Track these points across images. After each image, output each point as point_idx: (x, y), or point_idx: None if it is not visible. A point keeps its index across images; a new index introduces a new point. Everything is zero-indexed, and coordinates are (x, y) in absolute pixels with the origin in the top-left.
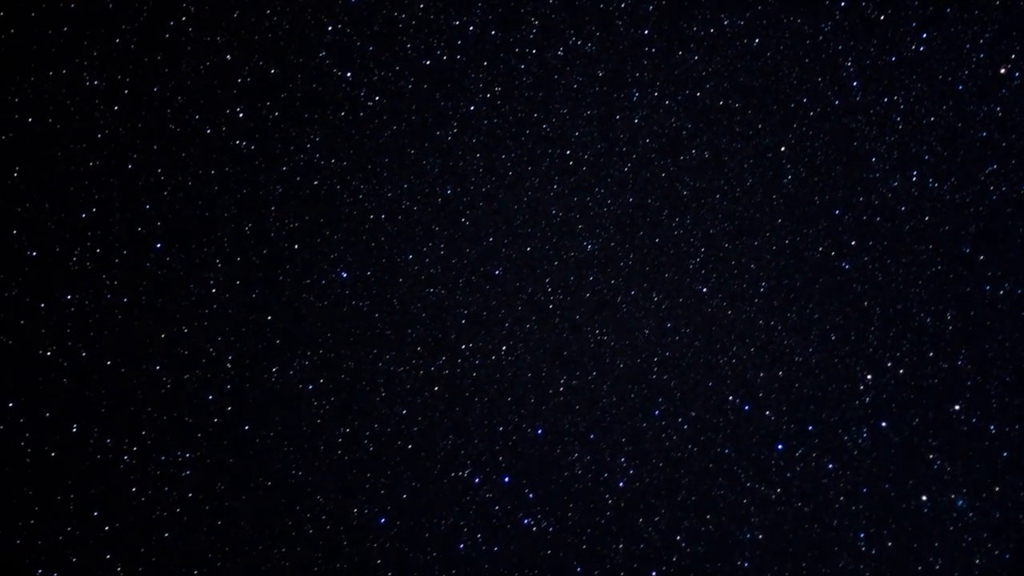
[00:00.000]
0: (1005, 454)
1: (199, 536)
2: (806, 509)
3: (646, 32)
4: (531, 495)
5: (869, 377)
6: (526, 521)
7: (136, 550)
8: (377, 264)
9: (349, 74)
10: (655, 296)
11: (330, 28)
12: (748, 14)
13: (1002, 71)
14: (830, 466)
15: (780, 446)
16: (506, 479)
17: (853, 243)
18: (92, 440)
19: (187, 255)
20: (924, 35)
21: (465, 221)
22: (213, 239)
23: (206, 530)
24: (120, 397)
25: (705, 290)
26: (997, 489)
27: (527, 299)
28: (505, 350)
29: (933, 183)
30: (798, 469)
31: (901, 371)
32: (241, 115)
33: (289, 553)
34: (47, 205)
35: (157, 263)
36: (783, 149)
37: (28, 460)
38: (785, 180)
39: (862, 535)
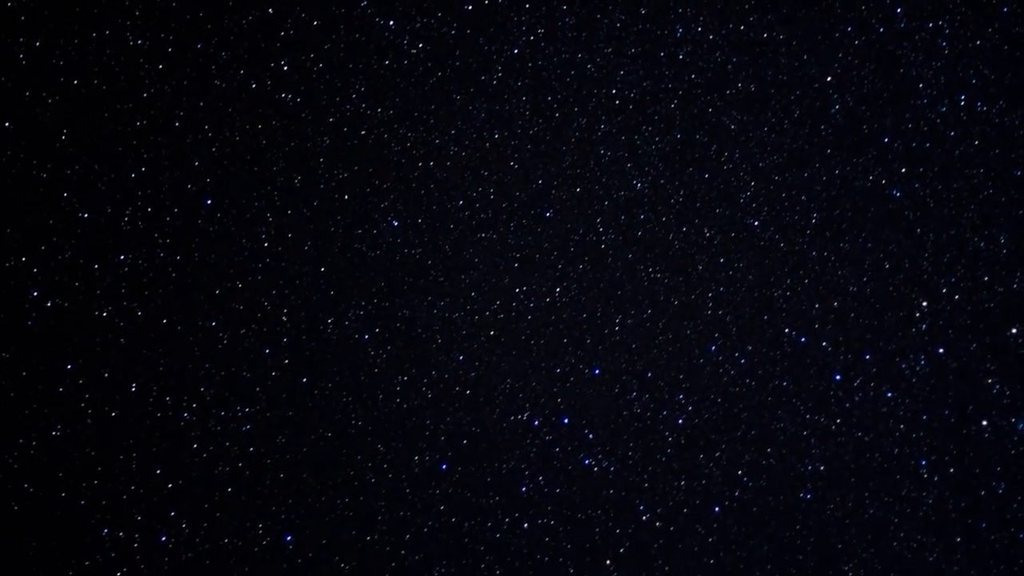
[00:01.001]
0: None
1: (262, 490)
2: (866, 439)
3: None
4: (591, 435)
5: (925, 304)
6: (587, 462)
7: (200, 507)
8: (428, 211)
9: (392, 22)
10: (707, 232)
11: None
12: None
13: None
14: (889, 395)
15: (838, 377)
16: (565, 420)
17: (903, 170)
18: (151, 399)
19: (238, 210)
20: None
21: (514, 164)
22: (263, 193)
23: (268, 484)
24: (177, 355)
25: (756, 224)
26: None
27: (579, 240)
28: (559, 292)
29: (981, 107)
30: (857, 399)
31: (956, 296)
32: (286, 68)
33: (352, 503)
34: (96, 167)
35: (208, 220)
36: (829, 79)
37: (89, 422)
38: (833, 110)
39: (924, 462)
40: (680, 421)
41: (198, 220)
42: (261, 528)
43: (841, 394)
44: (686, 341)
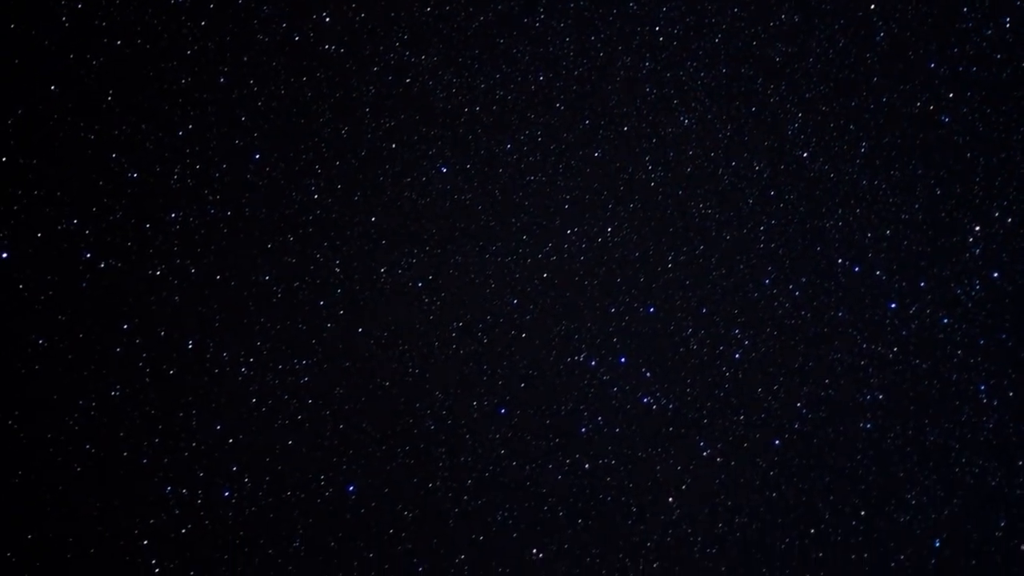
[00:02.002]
0: None
1: (322, 442)
2: (924, 366)
3: None
4: (648, 374)
5: (977, 228)
6: (645, 400)
7: (261, 461)
8: (476, 156)
9: None
10: (756, 165)
11: None
12: None
13: None
14: (945, 320)
15: (893, 304)
16: (622, 360)
17: (951, 95)
18: (208, 355)
19: (286, 164)
20: None
21: (560, 106)
22: (311, 145)
23: (328, 435)
24: (232, 310)
25: (806, 155)
26: None
27: (628, 178)
28: (611, 231)
29: None
30: (913, 326)
31: (1009, 220)
32: (328, 19)
33: (412, 451)
34: (143, 126)
35: (257, 174)
36: (873, 7)
37: (147, 381)
38: (878, 37)
39: (982, 387)
40: (737, 356)
41: (247, 175)
42: (323, 480)
43: (897, 322)
44: (740, 275)
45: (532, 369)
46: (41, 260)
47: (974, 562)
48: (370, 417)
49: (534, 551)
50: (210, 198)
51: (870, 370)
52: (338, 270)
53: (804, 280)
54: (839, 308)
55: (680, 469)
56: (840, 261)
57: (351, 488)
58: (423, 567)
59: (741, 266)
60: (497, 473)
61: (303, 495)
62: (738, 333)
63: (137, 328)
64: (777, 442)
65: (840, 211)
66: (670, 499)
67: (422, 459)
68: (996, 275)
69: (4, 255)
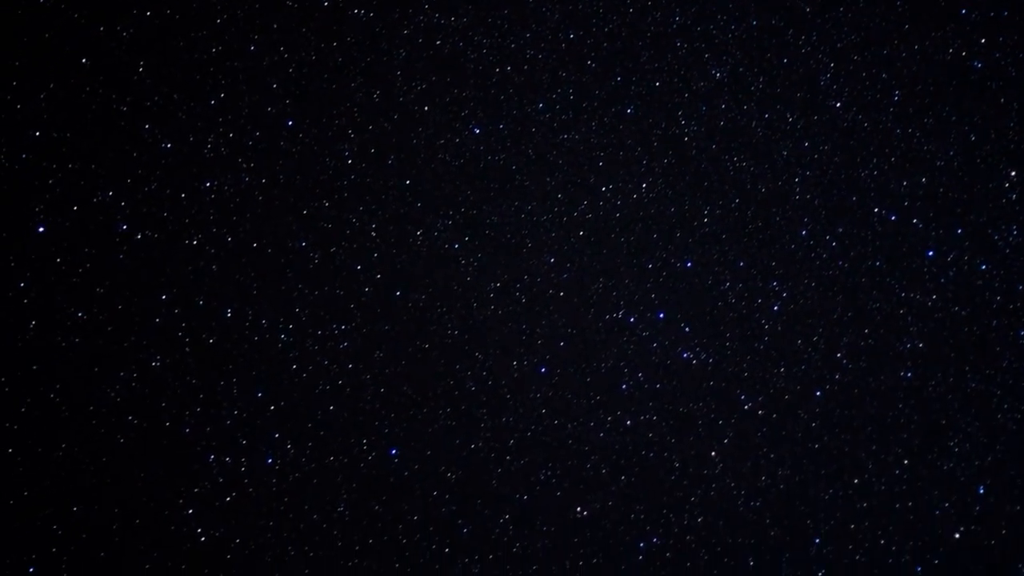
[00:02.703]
0: None
1: (363, 406)
2: (963, 313)
3: None
4: (687, 329)
5: (1013, 173)
6: (685, 355)
7: (303, 427)
8: (508, 116)
9: None
10: (789, 116)
11: None
12: None
13: None
14: (983, 267)
15: (931, 252)
16: (660, 315)
17: (983, 40)
18: (247, 323)
19: (319, 129)
20: None
21: (591, 63)
22: (343, 110)
23: (369, 399)
24: (269, 278)
25: (839, 104)
26: None
27: (662, 134)
28: (645, 187)
29: None
30: (951, 274)
31: None
32: None
33: (454, 413)
34: (175, 96)
35: (290, 140)
36: None
37: (187, 350)
38: None
39: (1022, 332)
40: (775, 308)
41: (280, 142)
42: (365, 444)
43: (935, 270)
44: (776, 228)
45: (571, 327)
46: (77, 233)
47: (1018, 507)
48: (410, 380)
49: (578, 509)
50: (244, 166)
51: (909, 319)
52: (374, 234)
53: (840, 230)
54: (876, 257)
55: (721, 423)
56: (876, 210)
57: (394, 452)
58: (467, 529)
59: (777, 218)
60: (539, 432)
61: (346, 460)
62: (776, 285)
63: (175, 298)
64: (818, 393)
65: (875, 160)
66: (712, 453)
67: (464, 421)
68: None
69: (40, 229)
